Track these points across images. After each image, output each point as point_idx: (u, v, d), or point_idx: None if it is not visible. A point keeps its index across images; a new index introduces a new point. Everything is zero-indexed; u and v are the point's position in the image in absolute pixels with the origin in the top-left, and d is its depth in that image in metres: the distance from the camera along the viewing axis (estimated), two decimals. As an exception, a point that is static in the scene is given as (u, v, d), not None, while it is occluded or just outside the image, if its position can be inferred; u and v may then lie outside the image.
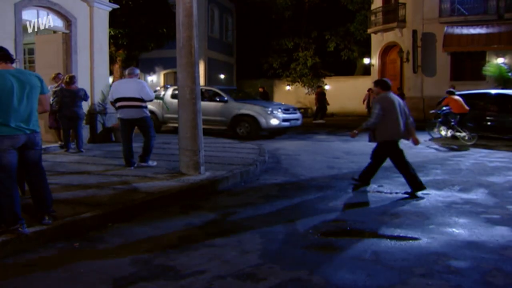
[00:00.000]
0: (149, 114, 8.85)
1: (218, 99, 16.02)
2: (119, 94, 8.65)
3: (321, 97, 25.44)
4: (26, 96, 4.77)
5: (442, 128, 14.98)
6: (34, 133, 4.89)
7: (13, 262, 4.28)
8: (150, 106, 14.83)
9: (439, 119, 14.92)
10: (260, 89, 28.24)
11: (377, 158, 7.50)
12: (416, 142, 7.57)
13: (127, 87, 8.65)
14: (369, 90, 22.22)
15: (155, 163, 8.94)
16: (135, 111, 8.61)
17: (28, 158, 4.91)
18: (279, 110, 15.61)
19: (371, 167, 7.53)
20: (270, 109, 15.38)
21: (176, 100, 15.34)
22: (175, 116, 14.99)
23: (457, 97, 14.40)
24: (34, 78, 4.93)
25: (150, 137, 8.76)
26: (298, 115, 16.63)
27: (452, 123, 14.30)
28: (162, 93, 17.59)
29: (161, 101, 16.54)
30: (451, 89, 15.39)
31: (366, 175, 7.59)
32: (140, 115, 8.65)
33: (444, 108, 14.62)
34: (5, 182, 4.65)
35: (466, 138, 13.92)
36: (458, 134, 14.23)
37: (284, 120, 15.59)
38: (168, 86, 17.71)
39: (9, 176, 4.69)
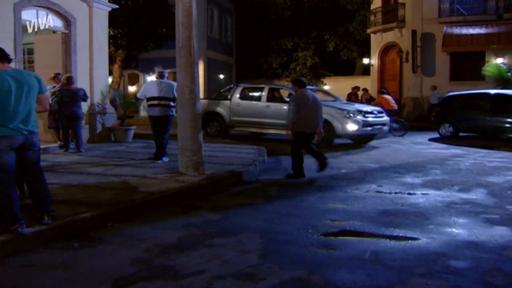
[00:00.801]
0: (174, 113, 9.48)
1: (289, 100, 12.69)
2: (152, 94, 9.53)
3: None
4: (25, 97, 4.75)
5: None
6: (32, 134, 4.88)
7: (13, 262, 4.27)
8: (218, 108, 15.26)
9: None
10: None
11: (294, 149, 8.65)
12: (319, 135, 8.88)
13: (160, 88, 9.55)
14: (364, 90, 22.33)
15: (167, 159, 9.61)
16: (164, 110, 9.55)
17: (26, 158, 4.91)
18: (360, 112, 13.11)
19: (295, 160, 8.64)
20: (347, 111, 12.97)
21: (246, 102, 15.16)
22: (246, 119, 14.91)
23: (386, 96, 17.03)
24: (32, 78, 4.91)
25: (166, 132, 9.71)
26: (385, 118, 13.98)
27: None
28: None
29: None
30: (382, 89, 18.36)
31: (297, 168, 8.60)
32: (167, 113, 9.60)
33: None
34: (4, 182, 4.64)
35: (397, 130, 16.62)
36: (393, 125, 16.22)
37: (366, 125, 13.05)
38: (236, 85, 16.00)
39: (7, 176, 4.68)
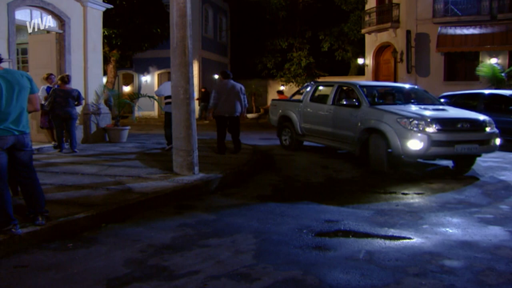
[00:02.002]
0: None
1: (346, 102, 10.29)
2: (169, 93, 10.15)
3: None
4: (16, 97, 4.73)
5: None
6: (23, 134, 4.86)
7: (6, 263, 4.26)
8: (289, 112, 12.54)
9: None
10: (202, 89, 27.06)
11: (217, 131, 10.71)
12: (244, 118, 11.34)
13: None
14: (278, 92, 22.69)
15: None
16: None
17: (18, 159, 4.88)
18: (430, 121, 8.57)
19: (218, 138, 10.70)
20: (409, 119, 8.65)
21: (315, 105, 11.81)
22: (313, 127, 11.63)
23: (283, 96, 18.70)
24: (23, 78, 4.89)
25: None
26: (486, 132, 8.92)
27: None
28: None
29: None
30: (280, 89, 20.51)
31: (220, 146, 10.68)
32: None
33: None
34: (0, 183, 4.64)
35: None
36: None
37: (441, 143, 8.46)
38: (314, 82, 13.01)
39: (3, 177, 4.67)
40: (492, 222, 5.74)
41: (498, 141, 9.04)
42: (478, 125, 8.88)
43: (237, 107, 10.61)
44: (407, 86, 12.18)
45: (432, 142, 8.36)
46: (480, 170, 9.40)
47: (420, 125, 8.47)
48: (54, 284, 3.87)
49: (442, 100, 13.57)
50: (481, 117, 9.14)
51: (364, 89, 10.37)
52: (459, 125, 8.75)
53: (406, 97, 11.01)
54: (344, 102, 10.23)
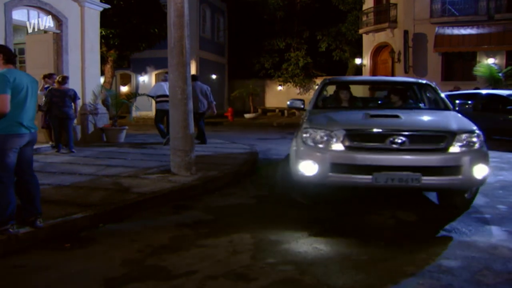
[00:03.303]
0: None
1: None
2: (162, 92, 12.10)
3: None
4: (33, 95, 4.87)
5: None
6: (35, 132, 4.99)
7: (4, 263, 4.25)
8: None
9: None
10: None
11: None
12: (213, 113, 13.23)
13: (167, 87, 11.31)
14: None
15: None
16: None
17: (25, 155, 4.91)
18: (335, 132, 5.86)
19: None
20: (311, 128, 6.08)
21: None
22: None
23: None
24: (30, 77, 5.01)
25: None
26: (448, 154, 5.70)
27: None
28: None
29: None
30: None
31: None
32: None
33: None
34: (7, 181, 4.65)
35: None
36: None
37: (347, 168, 5.71)
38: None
39: (10, 176, 4.70)
40: (489, 222, 5.75)
41: (481, 169, 5.67)
42: (431, 141, 5.73)
43: (202, 105, 12.23)
44: (405, 80, 9.54)
45: (332, 166, 5.67)
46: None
47: (323, 139, 5.85)
48: (52, 284, 3.86)
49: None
50: (451, 125, 5.95)
51: (326, 86, 8.39)
52: (388, 141, 5.65)
53: (395, 97, 7.79)
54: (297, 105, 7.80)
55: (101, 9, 13.52)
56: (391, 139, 5.63)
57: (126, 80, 31.02)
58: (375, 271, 4.11)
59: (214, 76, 31.84)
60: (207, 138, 12.77)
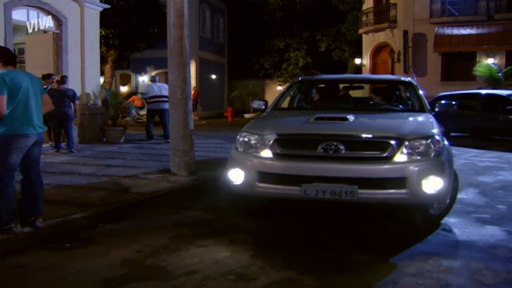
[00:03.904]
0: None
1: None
2: (155, 93, 13.05)
3: None
4: (35, 94, 4.87)
5: None
6: (43, 132, 4.99)
7: (4, 263, 4.25)
8: None
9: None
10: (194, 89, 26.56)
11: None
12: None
13: (159, 89, 13.16)
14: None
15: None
16: (164, 104, 12.49)
17: (33, 155, 4.93)
18: (265, 137, 5.27)
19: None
20: (244, 133, 5.59)
21: None
22: None
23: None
24: (31, 76, 5.02)
25: (167, 123, 11.78)
26: (392, 164, 4.87)
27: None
28: None
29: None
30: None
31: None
32: (166, 108, 11.98)
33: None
34: (8, 181, 4.66)
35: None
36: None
37: (275, 177, 5.08)
38: None
39: (11, 176, 4.71)
40: (489, 222, 5.75)
41: (433, 183, 4.82)
42: (373, 148, 4.96)
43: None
44: (382, 78, 9.27)
45: (259, 175, 5.13)
46: (477, 170, 9.41)
47: (254, 145, 5.32)
48: (52, 284, 3.86)
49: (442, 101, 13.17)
50: (400, 130, 5.14)
51: (297, 85, 7.84)
52: (320, 147, 4.96)
53: (377, 97, 7.22)
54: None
55: (101, 9, 13.52)
56: (324, 145, 4.92)
57: (125, 80, 31.01)
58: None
59: (214, 76, 31.85)
60: (207, 138, 12.79)
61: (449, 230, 5.31)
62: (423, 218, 5.44)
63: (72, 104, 10.59)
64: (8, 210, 4.61)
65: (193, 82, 27.03)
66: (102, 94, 13.96)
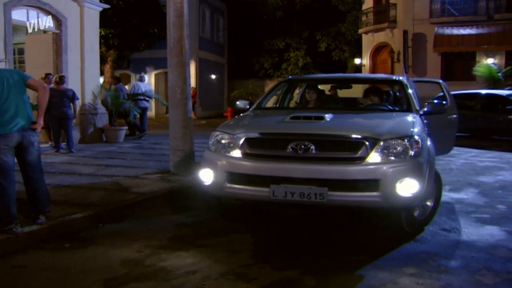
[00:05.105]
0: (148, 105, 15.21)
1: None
2: (137, 91, 14.56)
3: None
4: (7, 91, 4.75)
5: None
6: (29, 131, 4.89)
7: (3, 263, 4.25)
8: None
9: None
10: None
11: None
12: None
13: (143, 88, 14.85)
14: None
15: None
16: (147, 103, 15.01)
17: (26, 159, 4.92)
18: (236, 136, 5.13)
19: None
20: (217, 132, 5.45)
21: None
22: None
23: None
24: (9, 72, 4.93)
25: (145, 122, 14.75)
26: (363, 165, 4.61)
27: None
28: None
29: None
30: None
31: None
32: (148, 105, 15.14)
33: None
34: (4, 182, 4.65)
35: None
36: None
37: (244, 178, 4.95)
38: None
39: (6, 177, 4.69)
40: (489, 222, 5.75)
41: (408, 185, 4.55)
42: (345, 148, 4.74)
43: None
44: (372, 77, 9.18)
45: (228, 175, 4.99)
46: (477, 170, 9.41)
47: (225, 144, 5.20)
48: (51, 285, 3.87)
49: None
50: (375, 130, 4.87)
51: (284, 84, 7.64)
52: (290, 147, 4.78)
53: (368, 97, 6.78)
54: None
55: (101, 9, 13.51)
56: (293, 145, 4.73)
57: (125, 80, 30.96)
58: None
59: (213, 76, 31.83)
60: (207, 138, 12.73)
61: (449, 230, 5.31)
62: (407, 223, 5.03)
63: (71, 104, 10.59)
64: (8, 210, 4.61)
65: (192, 82, 27.01)
66: (102, 94, 13.96)
